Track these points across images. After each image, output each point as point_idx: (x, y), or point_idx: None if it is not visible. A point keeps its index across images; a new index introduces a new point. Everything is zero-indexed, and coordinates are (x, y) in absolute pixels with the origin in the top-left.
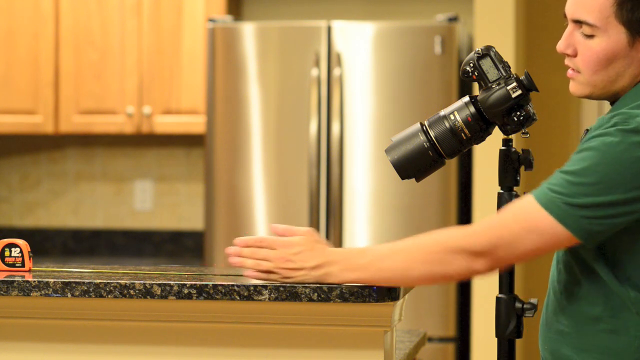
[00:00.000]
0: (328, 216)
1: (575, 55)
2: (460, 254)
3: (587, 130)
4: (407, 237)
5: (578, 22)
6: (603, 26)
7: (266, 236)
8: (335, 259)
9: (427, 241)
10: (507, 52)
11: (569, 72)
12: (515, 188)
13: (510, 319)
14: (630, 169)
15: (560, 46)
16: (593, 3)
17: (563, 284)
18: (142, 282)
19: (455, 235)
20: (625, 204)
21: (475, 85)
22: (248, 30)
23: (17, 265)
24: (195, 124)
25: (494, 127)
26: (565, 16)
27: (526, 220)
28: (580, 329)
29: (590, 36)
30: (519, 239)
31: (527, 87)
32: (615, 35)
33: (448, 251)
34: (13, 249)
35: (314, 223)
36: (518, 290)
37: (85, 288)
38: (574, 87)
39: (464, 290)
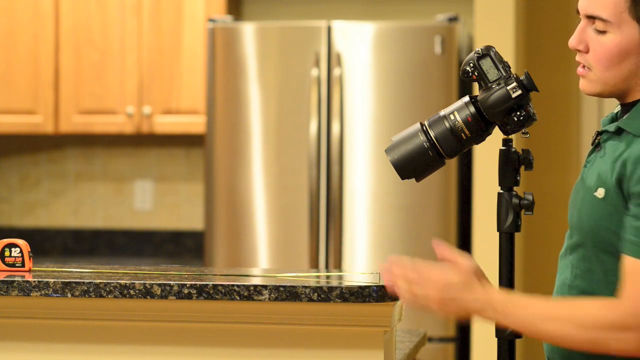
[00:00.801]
0: (328, 216)
1: (587, 52)
2: (615, 333)
3: (599, 132)
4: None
5: (591, 18)
6: (616, 22)
7: (419, 265)
8: (495, 307)
9: (580, 313)
10: (507, 52)
11: (580, 69)
12: (515, 188)
13: None
14: None
15: (572, 42)
16: None
17: (580, 289)
18: (142, 282)
19: (606, 309)
20: None
21: (475, 85)
22: (248, 30)
23: (17, 265)
24: (195, 124)
25: (494, 127)
26: (578, 12)
27: None
28: None
29: (603, 32)
30: None
31: (527, 87)
32: (629, 32)
33: (602, 328)
34: (13, 249)
35: (314, 223)
36: (517, 289)
37: (85, 288)
38: (584, 85)
39: None
